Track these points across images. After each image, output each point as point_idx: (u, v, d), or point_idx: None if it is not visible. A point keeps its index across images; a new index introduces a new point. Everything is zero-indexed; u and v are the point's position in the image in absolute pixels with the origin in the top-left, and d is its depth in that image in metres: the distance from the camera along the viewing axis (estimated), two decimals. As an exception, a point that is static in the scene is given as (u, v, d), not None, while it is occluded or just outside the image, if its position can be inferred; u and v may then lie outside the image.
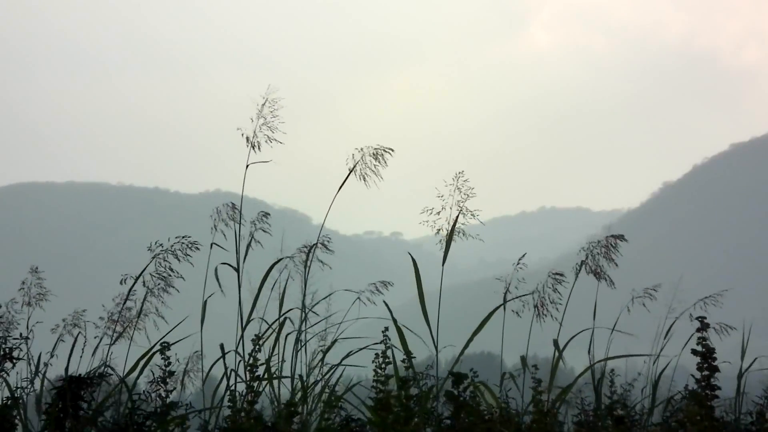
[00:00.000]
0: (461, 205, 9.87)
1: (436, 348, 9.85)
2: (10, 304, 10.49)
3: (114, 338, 10.05)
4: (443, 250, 9.99)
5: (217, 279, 9.94)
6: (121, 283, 9.71)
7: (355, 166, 9.83)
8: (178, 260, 9.66)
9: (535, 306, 10.10)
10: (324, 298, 10.48)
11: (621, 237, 10.31)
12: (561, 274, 10.14)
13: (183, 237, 9.73)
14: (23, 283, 10.67)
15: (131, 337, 10.02)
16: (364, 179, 9.81)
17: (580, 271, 10.20)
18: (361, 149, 9.82)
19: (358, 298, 10.54)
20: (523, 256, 10.35)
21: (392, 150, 9.81)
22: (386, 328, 10.46)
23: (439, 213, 9.93)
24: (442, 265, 9.96)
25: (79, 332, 10.22)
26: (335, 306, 10.71)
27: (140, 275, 9.65)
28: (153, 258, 9.66)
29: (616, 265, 10.15)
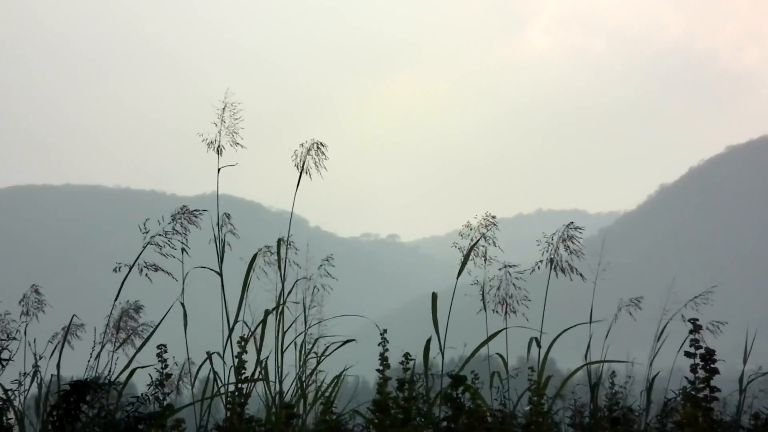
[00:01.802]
0: (483, 232, 10.34)
1: (442, 353, 9.97)
2: (3, 315, 10.56)
3: (117, 345, 10.09)
4: (453, 261, 10.35)
5: (182, 289, 10.01)
6: (114, 270, 9.74)
7: (304, 163, 10.18)
8: (171, 246, 9.66)
9: (499, 304, 10.19)
10: (288, 293, 10.44)
11: (574, 225, 10.24)
12: (511, 264, 10.26)
13: (181, 210, 9.75)
14: (24, 296, 10.76)
15: (115, 341, 10.05)
16: (308, 173, 10.20)
17: (551, 269, 10.15)
18: (302, 144, 10.19)
19: (315, 287, 10.68)
20: (486, 251, 10.48)
21: (325, 144, 10.19)
22: (384, 330, 10.48)
23: (464, 237, 10.40)
24: (457, 278, 10.27)
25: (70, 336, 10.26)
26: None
27: (135, 261, 9.69)
28: (147, 244, 9.65)
29: (577, 257, 10.12)
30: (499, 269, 10.35)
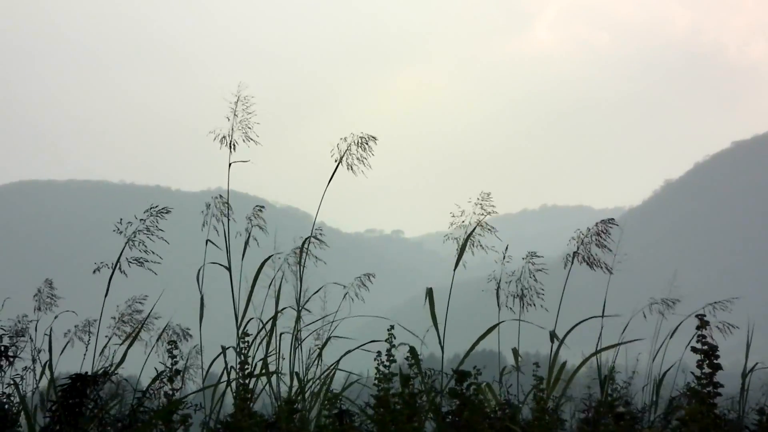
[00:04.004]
0: (480, 219, 9.99)
1: (442, 348, 9.91)
2: (22, 317, 10.68)
3: (123, 340, 10.11)
4: (455, 255, 10.11)
5: (198, 282, 9.95)
6: (94, 272, 9.65)
7: (342, 157, 9.87)
8: (151, 240, 9.57)
9: (517, 296, 10.10)
10: (315, 293, 10.39)
11: (612, 222, 10.22)
12: (535, 254, 10.12)
13: (151, 208, 9.66)
14: (38, 291, 10.84)
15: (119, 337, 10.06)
16: (352, 169, 9.87)
17: (572, 262, 10.13)
18: (345, 138, 9.85)
19: (346, 293, 10.53)
20: (507, 248, 10.27)
21: (376, 138, 9.85)
22: (392, 327, 10.47)
23: (459, 226, 10.07)
24: (454, 269, 10.08)
25: (84, 333, 10.33)
26: (332, 304, 10.70)
27: (117, 262, 9.58)
28: (127, 242, 9.57)
29: (610, 250, 10.09)
30: (523, 258, 10.16)
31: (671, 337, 10.69)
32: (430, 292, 9.92)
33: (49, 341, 10.16)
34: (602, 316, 10.20)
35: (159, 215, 9.64)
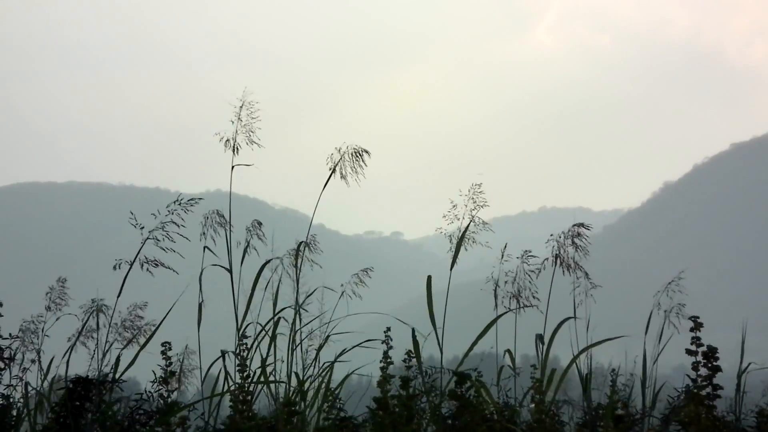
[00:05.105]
0: (473, 213, 9.91)
1: (441, 350, 9.89)
2: (36, 318, 10.67)
3: (124, 346, 10.09)
4: (452, 255, 10.05)
5: (200, 284, 9.95)
6: (114, 268, 9.57)
7: (335, 167, 9.98)
8: (170, 238, 9.47)
9: (514, 296, 10.05)
10: (309, 295, 10.40)
11: (585, 226, 10.10)
12: (530, 252, 10.03)
13: (176, 201, 9.50)
14: (50, 288, 10.81)
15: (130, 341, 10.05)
16: (345, 179, 9.98)
17: (555, 265, 10.04)
18: (339, 149, 9.98)
19: (343, 292, 10.54)
20: (505, 246, 10.17)
21: (369, 152, 10.00)
22: (388, 329, 10.41)
23: (452, 221, 10.01)
24: (450, 269, 10.04)
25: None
26: (330, 305, 10.69)
27: (135, 258, 9.48)
28: (147, 238, 9.39)
29: (587, 253, 10.00)
30: (518, 257, 10.09)
31: (646, 333, 10.60)
32: (428, 281, 9.92)
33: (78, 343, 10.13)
34: (575, 318, 10.16)
35: (186, 207, 9.46)
